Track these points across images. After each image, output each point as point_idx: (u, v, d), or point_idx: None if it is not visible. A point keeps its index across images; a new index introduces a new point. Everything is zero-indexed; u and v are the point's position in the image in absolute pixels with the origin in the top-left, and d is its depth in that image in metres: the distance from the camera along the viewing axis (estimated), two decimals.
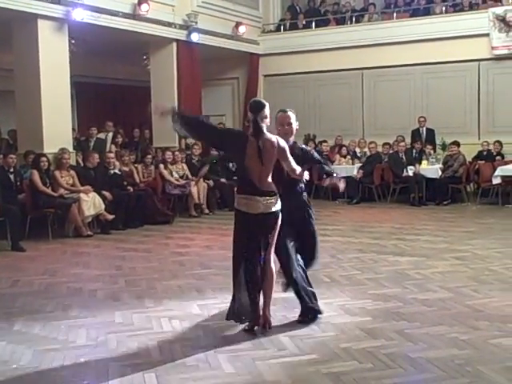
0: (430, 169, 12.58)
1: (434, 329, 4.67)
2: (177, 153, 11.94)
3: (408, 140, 13.52)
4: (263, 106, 4.56)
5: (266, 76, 15.70)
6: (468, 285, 5.99)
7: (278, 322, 4.98)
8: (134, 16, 11.80)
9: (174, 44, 13.08)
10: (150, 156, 11.67)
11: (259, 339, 4.58)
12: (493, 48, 13.30)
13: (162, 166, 11.52)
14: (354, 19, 15.25)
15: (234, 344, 4.51)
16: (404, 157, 12.85)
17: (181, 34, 13.00)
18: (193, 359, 4.24)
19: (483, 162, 12.62)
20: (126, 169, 10.92)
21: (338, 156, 13.64)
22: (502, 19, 13.11)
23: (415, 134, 13.61)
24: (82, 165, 10.69)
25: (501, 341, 4.39)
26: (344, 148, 13.83)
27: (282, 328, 4.82)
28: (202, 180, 11.75)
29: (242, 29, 14.39)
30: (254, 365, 4.11)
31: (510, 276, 6.30)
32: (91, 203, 9.62)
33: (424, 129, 13.67)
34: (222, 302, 5.62)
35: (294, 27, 15.67)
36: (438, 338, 4.45)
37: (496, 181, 11.87)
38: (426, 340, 4.43)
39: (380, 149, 13.36)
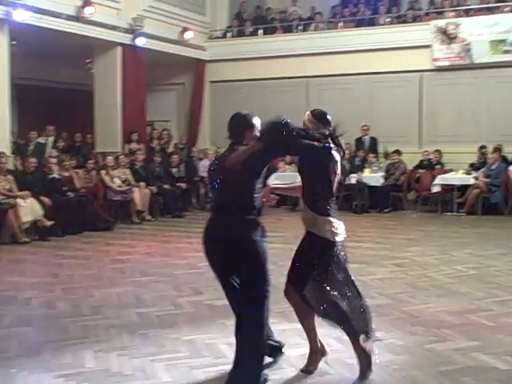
0: (373, 177, 12.77)
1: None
2: (121, 157, 11.76)
3: (352, 148, 13.69)
4: None
5: (212, 82, 15.65)
6: (406, 291, 6.08)
7: (217, 329, 4.94)
8: (77, 18, 11.57)
9: (119, 48, 12.91)
10: (91, 161, 11.46)
11: (198, 347, 4.54)
12: (434, 59, 13.60)
13: (103, 171, 11.33)
14: (300, 28, 15.38)
15: (173, 353, 4.46)
16: (347, 164, 13.01)
17: (126, 38, 12.83)
18: (129, 368, 4.17)
19: (423, 170, 12.89)
20: (66, 174, 10.69)
21: (282, 163, 13.68)
22: (444, 32, 13.43)
23: (358, 143, 13.79)
24: (21, 169, 10.41)
25: (435, 346, 4.47)
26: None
27: (220, 335, 4.78)
28: (144, 186, 11.59)
29: (188, 34, 14.32)
30: (191, 373, 4.08)
31: (446, 282, 6.44)
32: (29, 209, 9.37)
33: (367, 137, 13.88)
34: (161, 309, 5.56)
35: (241, 34, 15.69)
36: (375, 344, 4.46)
37: (435, 189, 12.15)
38: None
39: None
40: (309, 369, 4.06)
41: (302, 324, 4.10)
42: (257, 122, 3.88)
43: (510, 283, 6.36)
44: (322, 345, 4.12)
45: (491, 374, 3.98)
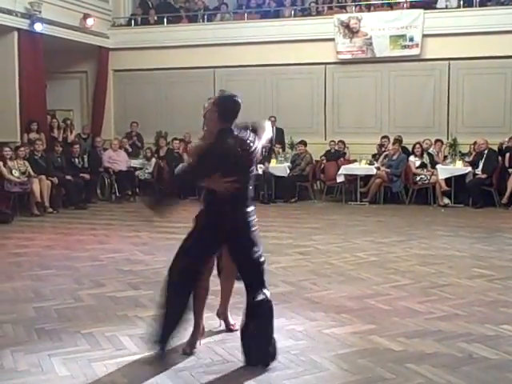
0: (279, 167, 12.90)
1: (274, 322, 4.73)
2: (21, 148, 11.29)
3: None
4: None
5: (115, 71, 15.29)
6: (308, 278, 6.18)
7: (118, 321, 4.84)
8: None
9: (15, 33, 12.34)
10: None
11: (98, 340, 4.42)
12: (338, 53, 13.89)
13: (0, 163, 10.83)
14: (206, 18, 15.29)
15: (71, 346, 4.34)
16: None
17: (23, 23, 12.28)
18: (24, 364, 4.03)
19: (329, 161, 13.14)
20: None
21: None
22: (346, 26, 13.74)
23: None
24: None
25: (334, 330, 4.57)
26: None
27: (121, 327, 4.69)
28: (44, 177, 11.19)
29: (89, 21, 13.90)
30: (89, 366, 3.98)
31: (347, 269, 6.60)
32: None
33: (274, 128, 13.99)
34: (60, 303, 5.39)
35: (145, 22, 15.42)
36: (276, 331, 4.35)
37: (340, 179, 12.43)
38: None
39: None
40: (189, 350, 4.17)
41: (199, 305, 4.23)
42: None
43: (406, 268, 6.60)
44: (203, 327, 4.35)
45: (386, 354, 4.11)
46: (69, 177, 11.75)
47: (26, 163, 11.16)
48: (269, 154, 13.24)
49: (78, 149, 12.59)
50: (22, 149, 11.29)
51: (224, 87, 14.43)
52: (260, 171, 12.72)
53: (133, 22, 15.43)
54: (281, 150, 13.44)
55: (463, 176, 11.70)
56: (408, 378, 3.74)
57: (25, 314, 5.10)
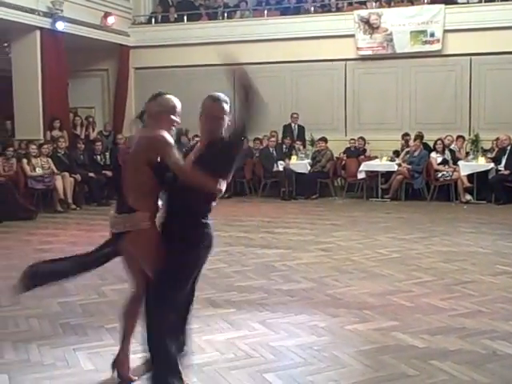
0: (300, 164, 12.90)
1: (295, 318, 4.78)
2: (45, 146, 11.43)
3: (279, 135, 13.80)
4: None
5: (136, 69, 15.38)
6: (330, 275, 6.18)
7: (141, 316, 4.88)
8: None
9: (38, 32, 12.46)
10: (11, 149, 11.07)
11: None
12: (358, 49, 13.84)
13: (24, 160, 10.97)
14: (226, 15, 15.31)
15: (96, 341, 4.39)
16: (274, 152, 13.11)
17: (45, 22, 12.40)
18: (50, 358, 4.09)
19: (348, 157, 13.11)
20: None
21: None
22: (366, 21, 13.68)
23: (287, 130, 13.89)
24: None
25: (356, 326, 4.58)
26: None
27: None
28: (67, 174, 11.30)
29: (110, 19, 13.99)
30: None
31: (369, 265, 6.59)
32: None
33: (296, 125, 14.00)
34: (84, 298, 5.46)
35: (165, 20, 15.48)
36: (299, 327, 4.56)
37: (361, 176, 12.41)
38: (287, 329, 4.53)
39: (251, 144, 13.52)
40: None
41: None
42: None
43: (429, 265, 6.57)
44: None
45: (409, 351, 4.10)
46: (91, 174, 11.87)
47: (49, 160, 11.29)
48: (289, 150, 13.26)
49: (100, 146, 12.68)
50: (46, 146, 11.44)
51: None
52: (281, 168, 12.76)
53: (153, 19, 15.51)
54: (301, 147, 13.44)
55: (485, 172, 11.60)
56: (432, 374, 3.73)
57: (50, 309, 5.17)
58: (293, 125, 13.96)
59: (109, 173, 12.35)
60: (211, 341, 4.29)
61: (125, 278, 6.02)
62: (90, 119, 14.18)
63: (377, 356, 4.02)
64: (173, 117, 3.52)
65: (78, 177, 11.56)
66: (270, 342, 4.24)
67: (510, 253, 7.13)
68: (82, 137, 13.36)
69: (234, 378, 3.73)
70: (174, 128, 3.53)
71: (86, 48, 14.04)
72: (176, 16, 15.40)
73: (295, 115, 13.88)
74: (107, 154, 12.99)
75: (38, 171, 11.02)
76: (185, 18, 15.16)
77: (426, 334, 4.40)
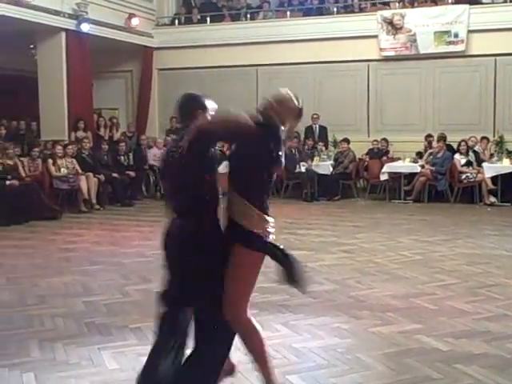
0: (322, 165, 12.87)
1: (318, 319, 4.78)
2: (70, 146, 11.56)
3: (302, 137, 13.79)
4: None
5: (160, 70, 15.49)
6: (353, 277, 6.17)
7: None
8: (16, 2, 11.21)
9: (63, 34, 12.61)
10: (37, 149, 11.21)
11: (146, 335, 4.50)
12: (381, 49, 13.77)
13: (50, 161, 11.10)
14: (248, 16, 15.34)
15: (120, 340, 4.43)
16: (297, 153, 13.10)
17: (70, 24, 12.54)
18: (75, 357, 4.13)
19: (371, 158, 13.06)
20: (10, 162, 10.41)
21: None
22: (390, 22, 13.61)
23: (308, 131, 13.87)
24: None
25: (380, 329, 4.56)
26: None
27: None
28: (91, 175, 11.42)
29: (134, 21, 14.10)
30: (138, 360, 4.02)
31: (392, 268, 6.56)
32: None
33: (317, 126, 13.97)
34: (108, 298, 5.51)
35: (188, 21, 15.56)
36: (322, 329, 4.56)
37: (384, 177, 12.35)
38: (309, 330, 4.53)
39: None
40: None
41: None
42: (210, 104, 3.42)
43: (452, 268, 6.52)
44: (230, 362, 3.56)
45: (433, 354, 4.08)
46: (115, 174, 11.96)
47: (74, 161, 11.41)
48: (311, 151, 13.24)
49: (123, 147, 12.78)
50: (70, 147, 11.56)
51: (267, 85, 14.52)
52: (303, 169, 12.75)
53: (176, 21, 15.59)
54: (324, 148, 13.40)
55: (510, 174, 11.47)
56: (456, 378, 3.71)
57: (75, 308, 5.23)
58: (314, 126, 13.93)
59: (132, 173, 12.46)
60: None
61: (148, 278, 6.13)
62: (114, 120, 14.32)
63: (400, 359, 4.00)
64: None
65: (102, 177, 11.67)
66: (293, 344, 4.24)
67: None
68: (106, 138, 13.48)
69: (256, 379, 3.73)
70: None
71: (110, 49, 14.17)
72: (199, 17, 15.47)
73: (315, 116, 13.83)
74: (130, 154, 13.10)
75: (63, 171, 11.15)
76: (208, 19, 15.21)
77: (451, 338, 4.37)
